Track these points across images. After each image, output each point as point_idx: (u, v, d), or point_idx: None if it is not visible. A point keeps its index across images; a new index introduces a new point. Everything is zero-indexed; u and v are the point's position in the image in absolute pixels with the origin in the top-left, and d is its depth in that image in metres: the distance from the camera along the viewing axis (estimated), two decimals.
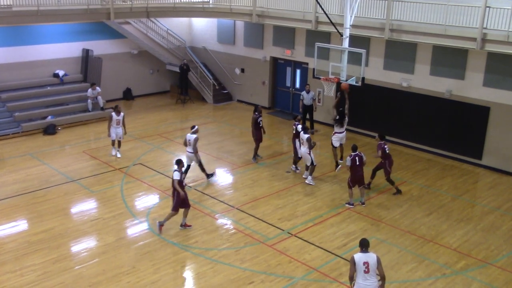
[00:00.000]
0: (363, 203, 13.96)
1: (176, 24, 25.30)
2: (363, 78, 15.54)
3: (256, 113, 16.70)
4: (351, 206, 13.80)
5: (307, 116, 20.23)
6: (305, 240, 12.20)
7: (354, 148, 13.76)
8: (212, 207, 13.83)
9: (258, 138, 16.84)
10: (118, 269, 10.80)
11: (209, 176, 15.42)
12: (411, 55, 18.07)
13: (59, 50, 22.23)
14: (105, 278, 10.50)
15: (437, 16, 16.30)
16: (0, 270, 10.73)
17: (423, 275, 10.94)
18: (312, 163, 15.09)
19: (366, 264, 8.51)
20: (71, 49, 22.59)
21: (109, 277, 10.53)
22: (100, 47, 23.17)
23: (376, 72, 19.08)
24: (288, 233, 12.56)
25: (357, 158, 13.57)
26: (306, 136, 14.89)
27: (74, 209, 13.58)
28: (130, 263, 11.06)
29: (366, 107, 19.68)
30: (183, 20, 25.57)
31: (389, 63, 18.75)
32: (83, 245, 11.85)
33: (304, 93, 20.02)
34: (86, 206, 13.74)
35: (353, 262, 8.58)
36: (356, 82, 15.64)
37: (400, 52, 18.31)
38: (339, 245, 12.01)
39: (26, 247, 11.64)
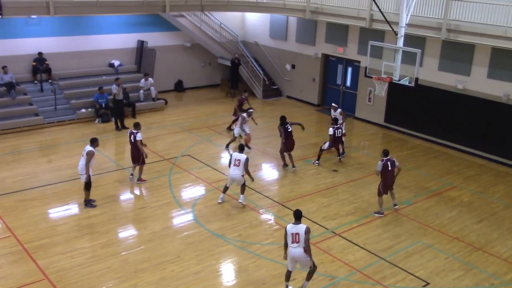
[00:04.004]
0: (395, 205, 13.64)
1: (229, 18, 25.43)
2: (416, 79, 15.17)
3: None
4: (381, 215, 13.27)
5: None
6: (349, 240, 12.07)
7: (386, 153, 13.13)
8: (257, 201, 13.89)
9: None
10: (163, 257, 10.97)
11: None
12: (468, 56, 17.50)
13: (115, 41, 22.79)
14: (150, 265, 10.69)
15: (498, 17, 15.66)
16: (52, 251, 11.13)
17: (470, 284, 10.64)
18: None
19: (296, 235, 9.40)
20: (127, 40, 23.13)
21: (154, 264, 10.72)
22: (155, 39, 23.57)
23: (430, 73, 18.60)
24: (332, 232, 12.45)
25: (389, 163, 12.97)
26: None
27: (123, 196, 13.88)
28: (174, 252, 11.21)
29: (418, 108, 19.27)
30: (236, 14, 25.69)
31: (445, 64, 18.24)
32: (130, 232, 12.11)
33: None
34: (134, 194, 14.01)
35: (285, 233, 9.59)
36: (409, 83, 15.31)
37: (457, 53, 17.78)
38: (384, 247, 11.83)
39: (77, 230, 12.01)
